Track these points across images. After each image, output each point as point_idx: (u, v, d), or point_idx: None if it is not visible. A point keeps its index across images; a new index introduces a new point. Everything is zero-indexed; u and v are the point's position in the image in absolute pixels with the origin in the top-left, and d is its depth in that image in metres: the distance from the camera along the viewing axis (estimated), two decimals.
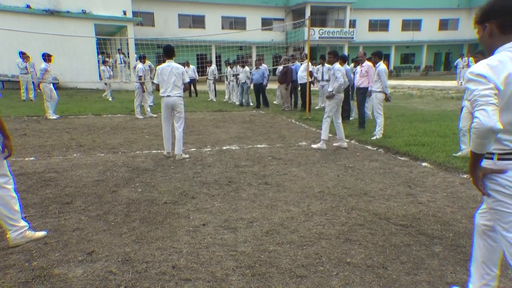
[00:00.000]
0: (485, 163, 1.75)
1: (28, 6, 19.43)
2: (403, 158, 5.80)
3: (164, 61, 5.73)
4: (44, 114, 10.05)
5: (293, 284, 2.38)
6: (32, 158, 5.70)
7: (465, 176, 4.80)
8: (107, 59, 18.26)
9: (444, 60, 40.01)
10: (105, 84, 15.26)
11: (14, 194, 2.88)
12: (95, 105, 13.07)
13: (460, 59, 19.30)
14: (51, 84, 9.99)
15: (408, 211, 3.62)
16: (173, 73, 5.62)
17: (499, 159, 1.72)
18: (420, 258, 2.72)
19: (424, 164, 5.43)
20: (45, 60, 9.99)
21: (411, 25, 37.67)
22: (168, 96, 5.66)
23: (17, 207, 2.89)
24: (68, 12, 20.39)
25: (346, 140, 6.69)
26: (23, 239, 2.90)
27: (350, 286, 2.37)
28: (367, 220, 3.40)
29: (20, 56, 14.46)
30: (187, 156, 5.84)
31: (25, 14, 19.27)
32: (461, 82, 19.26)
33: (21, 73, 14.50)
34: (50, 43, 18.56)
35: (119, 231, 3.16)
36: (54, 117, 10.11)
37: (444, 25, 38.24)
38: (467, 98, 1.85)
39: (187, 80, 5.83)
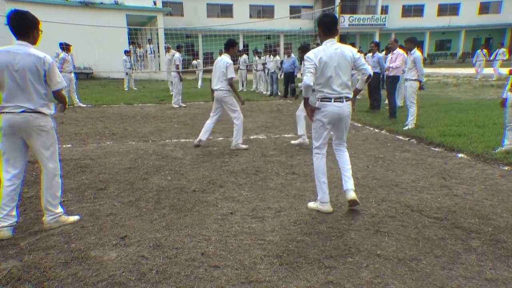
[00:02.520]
0: (316, 104, 3.26)
1: None
2: (437, 149, 5.57)
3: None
4: (76, 104, 10.50)
5: (322, 275, 2.36)
6: (69, 145, 5.95)
7: (506, 168, 4.54)
8: (132, 48, 18.63)
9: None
10: (126, 74, 15.60)
11: (59, 180, 3.05)
12: (126, 95, 13.45)
13: (479, 50, 17.89)
14: (72, 74, 10.35)
15: (443, 204, 3.48)
16: (219, 66, 5.59)
17: (320, 101, 3.23)
18: (456, 252, 2.61)
19: (460, 155, 5.19)
20: (63, 49, 10.32)
21: (448, 9, 35.74)
22: (215, 89, 5.69)
23: (58, 194, 3.04)
24: (101, 3, 20.97)
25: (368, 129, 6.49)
26: (57, 223, 3.04)
27: (381, 278, 2.31)
28: (398, 212, 3.31)
29: (60, 47, 15.06)
30: (244, 146, 5.72)
31: (62, 7, 20.02)
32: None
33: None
34: (85, 34, 19.25)
35: (150, 217, 3.24)
36: (83, 104, 10.54)
37: (485, 8, 35.99)
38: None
39: (230, 75, 5.58)
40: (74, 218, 3.18)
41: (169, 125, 7.82)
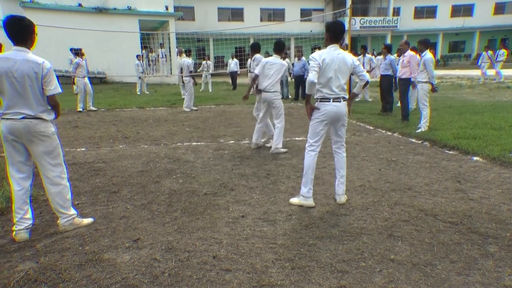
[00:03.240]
0: (315, 104, 3.47)
1: (79, 5, 20.58)
2: (451, 152, 5.48)
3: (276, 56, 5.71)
4: (89, 107, 10.68)
5: (334, 279, 2.33)
6: (83, 149, 6.05)
7: None
8: (145, 53, 18.85)
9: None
10: (139, 78, 15.79)
11: (67, 183, 3.07)
12: (139, 99, 13.61)
13: (484, 52, 17.38)
14: (86, 78, 10.53)
15: (458, 208, 3.41)
16: (276, 68, 5.57)
17: (319, 101, 3.44)
18: (472, 257, 2.56)
19: (475, 158, 5.09)
20: (76, 55, 10.52)
21: (462, 10, 35.20)
22: (264, 90, 5.66)
23: (68, 196, 3.07)
24: (115, 9, 21.34)
25: (381, 131, 6.42)
26: (71, 226, 3.09)
27: (394, 283, 2.28)
28: (412, 216, 3.26)
29: (72, 53, 15.35)
30: (283, 150, 5.70)
31: (77, 13, 20.45)
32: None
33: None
34: (99, 39, 19.60)
35: (162, 220, 3.27)
36: (94, 108, 10.70)
37: (500, 8, 35.30)
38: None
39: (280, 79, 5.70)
40: (88, 220, 3.22)
41: (180, 128, 7.88)
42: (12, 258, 2.61)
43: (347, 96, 3.50)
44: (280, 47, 5.71)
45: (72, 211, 3.11)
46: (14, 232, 2.90)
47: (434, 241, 2.79)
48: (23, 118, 2.79)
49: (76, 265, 2.52)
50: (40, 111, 2.86)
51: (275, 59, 5.61)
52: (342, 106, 3.44)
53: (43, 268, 2.47)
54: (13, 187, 2.92)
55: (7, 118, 2.80)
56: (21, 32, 2.79)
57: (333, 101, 3.39)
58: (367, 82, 3.53)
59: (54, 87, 2.87)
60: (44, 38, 19.09)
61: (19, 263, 2.56)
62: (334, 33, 3.40)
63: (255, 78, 5.76)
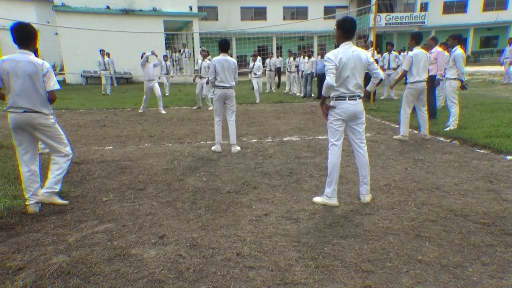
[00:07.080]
0: (330, 103, 3.44)
1: (107, 7, 21.25)
2: (482, 151, 5.26)
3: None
4: (121, 107, 10.99)
5: (359, 279, 2.30)
6: (111, 147, 6.24)
7: None
8: (168, 52, 19.12)
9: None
10: (159, 78, 15.98)
11: (67, 163, 3.55)
12: (163, 98, 13.85)
13: (508, 46, 15.68)
14: (154, 81, 10.54)
15: (490, 209, 3.28)
16: (423, 60, 5.96)
17: (335, 100, 3.43)
18: (506, 260, 2.45)
19: (509, 157, 4.87)
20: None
21: (495, 3, 33.62)
22: (420, 81, 5.94)
23: (62, 175, 3.51)
24: (141, 10, 21.87)
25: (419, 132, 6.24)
26: (48, 198, 3.42)
27: (422, 285, 2.22)
28: (440, 216, 3.16)
29: (100, 53, 15.79)
30: (427, 137, 6.15)
31: (105, 15, 21.12)
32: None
33: (101, 70, 15.81)
34: (126, 40, 20.12)
35: (186, 217, 3.33)
36: (163, 111, 10.69)
37: None
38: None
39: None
40: (63, 201, 3.56)
41: (204, 127, 7.98)
42: (47, 252, 2.73)
43: (362, 94, 3.48)
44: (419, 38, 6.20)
45: (58, 187, 3.45)
46: (27, 206, 3.39)
47: (464, 243, 2.70)
48: (24, 112, 3.24)
49: (105, 260, 2.61)
50: (40, 106, 3.28)
51: (420, 51, 6.01)
52: (359, 104, 3.43)
53: (75, 262, 2.57)
54: (22, 168, 3.40)
55: (12, 112, 3.25)
56: (26, 37, 3.23)
57: (348, 99, 3.38)
58: (381, 80, 3.59)
59: (53, 84, 3.31)
60: (75, 40, 19.89)
61: (53, 256, 2.67)
62: (346, 31, 3.37)
63: (404, 73, 6.09)
